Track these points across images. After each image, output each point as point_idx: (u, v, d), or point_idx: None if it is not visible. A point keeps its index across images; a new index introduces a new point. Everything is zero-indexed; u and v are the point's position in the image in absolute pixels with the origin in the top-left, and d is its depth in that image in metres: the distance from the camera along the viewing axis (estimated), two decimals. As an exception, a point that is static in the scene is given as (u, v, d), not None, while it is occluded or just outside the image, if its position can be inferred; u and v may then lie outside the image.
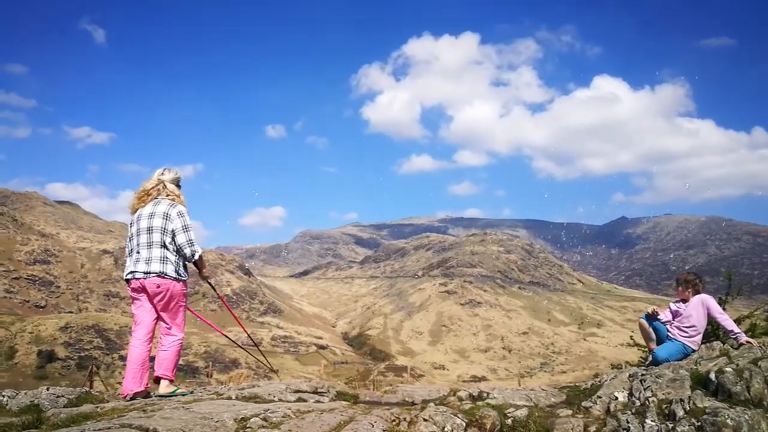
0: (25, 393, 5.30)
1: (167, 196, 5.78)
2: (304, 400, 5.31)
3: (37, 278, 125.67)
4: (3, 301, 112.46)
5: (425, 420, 4.12)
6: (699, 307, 6.01)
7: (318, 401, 5.32)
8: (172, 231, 5.59)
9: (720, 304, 7.05)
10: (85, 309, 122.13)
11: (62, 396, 5.26)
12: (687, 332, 5.94)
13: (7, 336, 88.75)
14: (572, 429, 4.03)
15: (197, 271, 6.02)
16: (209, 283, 6.45)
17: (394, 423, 4.15)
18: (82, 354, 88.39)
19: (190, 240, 5.60)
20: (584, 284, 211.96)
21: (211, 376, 39.87)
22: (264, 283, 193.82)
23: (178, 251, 5.61)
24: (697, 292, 6.17)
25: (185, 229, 5.62)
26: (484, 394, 5.11)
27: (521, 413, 4.31)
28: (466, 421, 4.17)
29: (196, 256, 5.65)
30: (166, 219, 5.60)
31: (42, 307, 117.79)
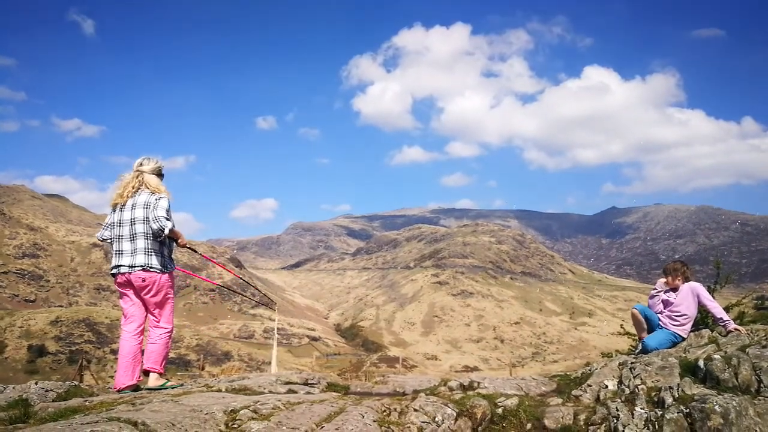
0: (14, 387, 5.25)
1: (147, 188, 5.56)
2: (295, 392, 5.30)
3: (26, 272, 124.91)
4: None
5: (416, 410, 4.12)
6: (689, 295, 6.04)
7: (308, 392, 5.31)
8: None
9: (709, 292, 7.10)
10: (75, 303, 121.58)
11: (51, 390, 5.20)
12: (678, 320, 5.97)
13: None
14: (562, 417, 4.04)
15: (178, 245, 5.76)
16: (190, 248, 6.22)
17: (384, 413, 4.14)
18: (73, 348, 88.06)
19: (156, 217, 5.32)
20: (575, 274, 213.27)
21: (203, 368, 39.83)
22: (256, 275, 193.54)
23: (156, 235, 5.41)
24: (687, 280, 6.20)
25: (156, 207, 5.38)
26: (475, 384, 5.12)
27: (511, 402, 4.32)
28: (457, 410, 4.18)
29: (166, 231, 5.32)
30: (148, 208, 5.43)
31: (32, 302, 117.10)
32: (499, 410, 4.24)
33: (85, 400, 4.39)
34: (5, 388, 5.21)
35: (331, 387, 5.85)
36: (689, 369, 4.44)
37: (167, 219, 5.37)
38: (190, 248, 6.16)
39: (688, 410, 3.69)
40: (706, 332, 5.78)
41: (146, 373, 5.56)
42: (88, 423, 3.18)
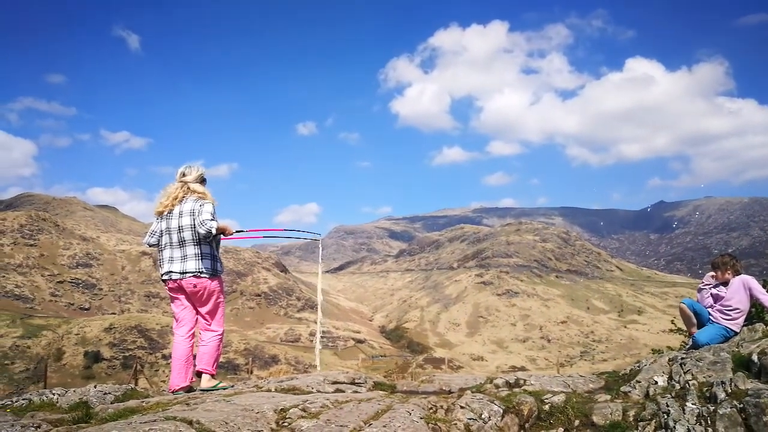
0: (74, 391, 5.49)
1: (193, 195, 5.73)
2: (342, 391, 5.38)
3: (80, 281, 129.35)
4: (49, 304, 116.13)
5: (462, 407, 4.14)
6: (741, 288, 5.87)
7: (356, 391, 5.39)
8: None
9: (764, 286, 6.88)
10: (127, 310, 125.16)
11: (109, 393, 5.44)
12: (730, 314, 5.81)
13: (54, 338, 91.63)
14: (611, 413, 4.00)
15: (226, 237, 5.89)
16: (238, 231, 6.28)
17: (431, 411, 4.18)
18: (127, 354, 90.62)
19: (202, 221, 5.46)
20: (623, 271, 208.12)
21: (252, 372, 40.40)
22: (300, 279, 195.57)
23: (203, 239, 5.55)
24: (737, 273, 6.04)
25: (201, 212, 5.52)
26: (521, 381, 5.10)
27: (559, 399, 4.30)
28: (503, 407, 4.18)
29: (213, 231, 5.46)
30: (194, 215, 5.57)
31: (86, 309, 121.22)
32: (546, 407, 4.23)
33: (142, 402, 4.58)
34: (66, 392, 5.46)
35: (377, 386, 5.91)
36: (742, 364, 4.33)
37: (212, 220, 5.49)
38: (238, 231, 6.25)
39: (741, 405, 3.61)
40: (760, 326, 5.62)
41: (199, 374, 5.73)
42: (146, 422, 3.33)
